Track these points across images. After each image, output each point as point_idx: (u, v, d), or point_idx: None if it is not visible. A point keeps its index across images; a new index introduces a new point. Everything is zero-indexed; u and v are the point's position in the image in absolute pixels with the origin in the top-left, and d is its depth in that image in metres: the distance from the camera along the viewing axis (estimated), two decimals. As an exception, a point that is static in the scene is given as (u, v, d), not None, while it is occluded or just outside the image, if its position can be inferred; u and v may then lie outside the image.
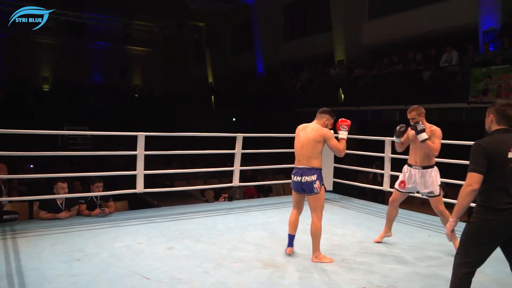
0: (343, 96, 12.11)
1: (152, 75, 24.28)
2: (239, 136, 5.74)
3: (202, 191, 8.37)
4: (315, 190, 3.55)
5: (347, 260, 3.60)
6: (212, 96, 19.41)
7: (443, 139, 3.88)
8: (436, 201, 3.88)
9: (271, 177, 11.04)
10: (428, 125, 3.85)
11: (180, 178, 10.42)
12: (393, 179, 6.06)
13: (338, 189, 6.73)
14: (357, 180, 8.87)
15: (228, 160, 6.54)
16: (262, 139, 6.57)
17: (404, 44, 11.63)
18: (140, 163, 4.82)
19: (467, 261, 2.32)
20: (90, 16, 18.57)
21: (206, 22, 20.72)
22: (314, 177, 3.53)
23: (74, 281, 2.98)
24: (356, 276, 3.24)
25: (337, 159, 6.47)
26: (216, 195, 7.90)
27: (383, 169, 5.88)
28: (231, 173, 6.01)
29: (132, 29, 19.97)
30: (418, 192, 4.12)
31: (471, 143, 4.98)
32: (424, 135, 3.71)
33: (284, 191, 9.85)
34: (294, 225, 3.77)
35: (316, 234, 3.59)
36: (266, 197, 8.31)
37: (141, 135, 4.82)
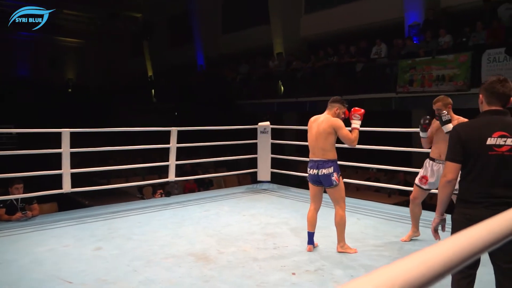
0: (282, 88, 12.32)
1: (86, 68, 23.11)
2: (173, 130, 5.64)
3: (140, 188, 8.15)
4: (334, 182, 3.48)
5: (279, 248, 3.68)
6: (152, 90, 18.90)
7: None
8: None
9: (212, 171, 11.01)
10: (455, 116, 3.54)
11: (118, 176, 10.07)
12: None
13: (279, 179, 6.85)
14: (298, 169, 9.07)
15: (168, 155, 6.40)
16: (204, 132, 6.52)
17: (338, 37, 12.03)
18: (66, 161, 4.57)
19: None
20: (12, 3, 17.21)
21: (142, 13, 20.05)
22: (331, 170, 3.45)
23: (-12, 290, 2.78)
24: (286, 262, 3.32)
25: (275, 150, 6.59)
26: (155, 192, 7.73)
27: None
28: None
29: (61, 19, 18.77)
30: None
31: (400, 130, 5.24)
32: (450, 126, 3.33)
33: (225, 183, 9.87)
34: (312, 222, 3.63)
35: (340, 224, 3.53)
36: (206, 190, 8.29)
37: (65, 132, 4.57)
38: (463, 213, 2.03)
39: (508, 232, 0.74)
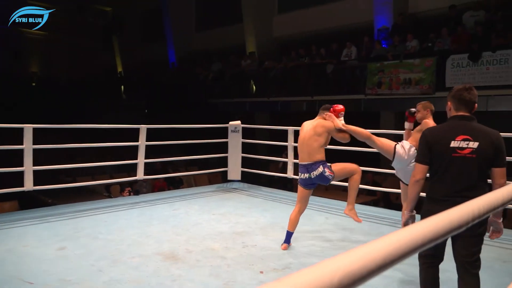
0: (254, 87, 12.34)
1: (52, 62, 22.27)
2: (143, 128, 5.55)
3: (107, 186, 7.97)
4: (330, 177, 3.51)
5: (248, 247, 3.69)
6: (122, 86, 18.48)
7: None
8: None
9: (183, 169, 10.90)
10: (431, 123, 3.40)
11: (84, 174, 9.80)
12: (296, 166, 6.38)
13: (250, 178, 6.86)
14: (269, 169, 9.12)
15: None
16: (174, 130, 6.44)
17: (310, 38, 12.16)
18: (28, 158, 4.41)
19: (424, 254, 2.29)
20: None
21: (112, 7, 19.56)
22: (321, 169, 3.48)
23: None
24: (254, 261, 3.33)
25: (246, 149, 6.60)
26: (123, 190, 7.58)
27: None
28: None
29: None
30: None
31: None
32: (406, 124, 3.69)
33: (195, 182, 9.80)
34: (294, 222, 3.66)
35: (353, 186, 3.59)
36: (176, 189, 8.20)
37: (27, 128, 4.41)
38: (430, 210, 2.12)
39: (447, 230, 0.79)
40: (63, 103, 18.69)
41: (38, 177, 4.71)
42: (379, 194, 8.00)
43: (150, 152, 5.74)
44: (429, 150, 2.21)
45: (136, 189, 6.78)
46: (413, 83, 8.27)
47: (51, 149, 5.02)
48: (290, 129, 5.94)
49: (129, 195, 6.55)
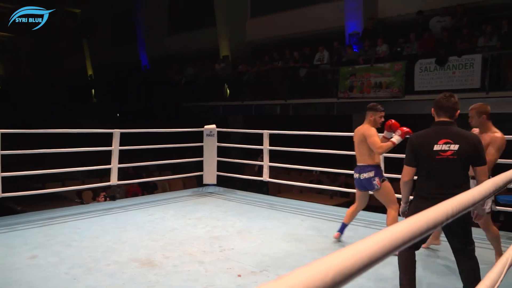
0: (228, 91, 12.35)
1: (18, 64, 21.57)
2: (116, 132, 5.46)
3: (79, 192, 7.77)
4: (375, 186, 3.64)
5: (225, 251, 3.70)
6: (93, 90, 18.10)
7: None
8: None
9: (157, 174, 10.77)
10: (493, 128, 3.17)
11: (54, 180, 9.51)
12: (272, 170, 6.44)
13: (225, 182, 6.86)
14: (244, 172, 9.13)
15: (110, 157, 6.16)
16: (148, 134, 6.36)
17: (283, 42, 12.29)
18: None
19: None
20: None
21: (82, 9, 19.12)
22: (371, 174, 3.63)
23: None
24: (232, 265, 3.34)
25: (220, 153, 6.59)
26: (95, 196, 7.41)
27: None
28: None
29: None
30: None
31: (341, 134, 5.49)
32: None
33: (170, 187, 9.70)
34: (348, 215, 3.93)
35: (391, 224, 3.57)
36: (151, 194, 8.09)
37: (-4, 133, 4.25)
38: (418, 207, 2.30)
39: (424, 229, 0.85)
40: (29, 107, 18.11)
41: (6, 184, 4.55)
42: (352, 195, 8.16)
43: (123, 156, 5.65)
44: (415, 154, 2.46)
45: (110, 194, 6.64)
46: (384, 86, 8.50)
47: (17, 155, 4.86)
48: (266, 132, 5.98)
49: (105, 200, 6.41)
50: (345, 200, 8.07)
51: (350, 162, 8.99)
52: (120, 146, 5.52)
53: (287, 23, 12.36)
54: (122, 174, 8.42)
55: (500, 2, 8.57)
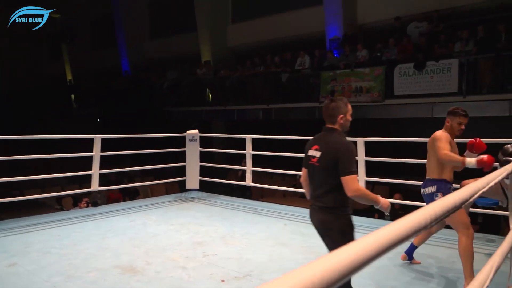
0: (210, 96, 12.33)
1: (-4, 69, 21.01)
2: (97, 138, 5.39)
3: (59, 199, 7.62)
4: None
5: (208, 256, 3.68)
6: (72, 95, 17.80)
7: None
8: None
9: (139, 179, 10.64)
10: None
11: (33, 186, 9.31)
12: (255, 174, 6.44)
13: (208, 187, 6.82)
14: (227, 177, 9.11)
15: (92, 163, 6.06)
16: (129, 140, 6.29)
17: (264, 47, 12.36)
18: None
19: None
20: None
21: (61, 14, 18.80)
22: (433, 189, 3.07)
23: None
24: (215, 270, 3.33)
25: (203, 158, 6.57)
26: (76, 202, 7.28)
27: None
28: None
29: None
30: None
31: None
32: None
33: (152, 193, 9.60)
34: (419, 237, 3.40)
35: (464, 255, 2.89)
36: (132, 200, 7.99)
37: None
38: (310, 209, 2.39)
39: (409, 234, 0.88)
40: (7, 112, 17.68)
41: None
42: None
43: (103, 162, 5.57)
44: (304, 158, 2.45)
45: (94, 200, 6.52)
46: (364, 91, 8.63)
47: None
48: (248, 137, 6.00)
49: (87, 206, 6.29)
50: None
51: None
52: (101, 152, 5.44)
53: (268, 28, 12.43)
54: (104, 179, 8.30)
55: (476, 8, 8.83)
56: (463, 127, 3.12)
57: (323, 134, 2.37)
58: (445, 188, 3.04)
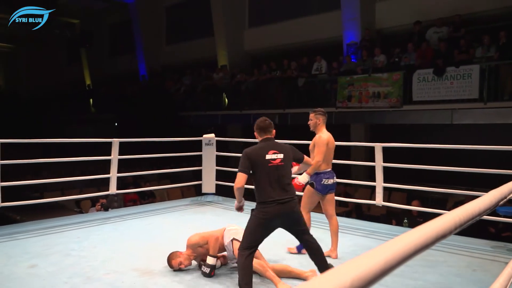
0: (226, 100, 12.40)
1: (17, 74, 21.57)
2: (115, 141, 5.46)
3: (77, 201, 7.74)
4: None
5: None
6: (91, 100, 18.13)
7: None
8: None
9: (155, 183, 10.74)
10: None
11: (53, 189, 9.49)
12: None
13: (224, 191, 6.82)
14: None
15: (109, 167, 6.16)
16: (146, 144, 6.36)
17: (280, 52, 12.39)
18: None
19: (250, 245, 2.83)
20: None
21: (80, 19, 19.22)
22: None
23: None
24: (233, 273, 3.32)
25: (219, 162, 6.59)
26: (94, 205, 7.37)
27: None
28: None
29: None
30: None
31: (340, 143, 5.53)
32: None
33: (168, 196, 9.67)
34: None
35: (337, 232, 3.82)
36: (149, 203, 8.06)
37: (-4, 142, 4.25)
38: (262, 211, 2.84)
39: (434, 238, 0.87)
40: (27, 117, 18.11)
41: (5, 193, 4.54)
42: (351, 205, 8.16)
43: (120, 165, 5.65)
44: (251, 163, 2.86)
45: (106, 205, 6.60)
46: (382, 96, 8.55)
47: (16, 165, 4.85)
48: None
49: (101, 209, 6.37)
50: (344, 210, 8.05)
51: (348, 171, 9.02)
52: (119, 155, 5.52)
53: (284, 33, 12.46)
54: (121, 183, 8.42)
55: (498, 13, 8.69)
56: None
57: (271, 143, 2.97)
58: None
